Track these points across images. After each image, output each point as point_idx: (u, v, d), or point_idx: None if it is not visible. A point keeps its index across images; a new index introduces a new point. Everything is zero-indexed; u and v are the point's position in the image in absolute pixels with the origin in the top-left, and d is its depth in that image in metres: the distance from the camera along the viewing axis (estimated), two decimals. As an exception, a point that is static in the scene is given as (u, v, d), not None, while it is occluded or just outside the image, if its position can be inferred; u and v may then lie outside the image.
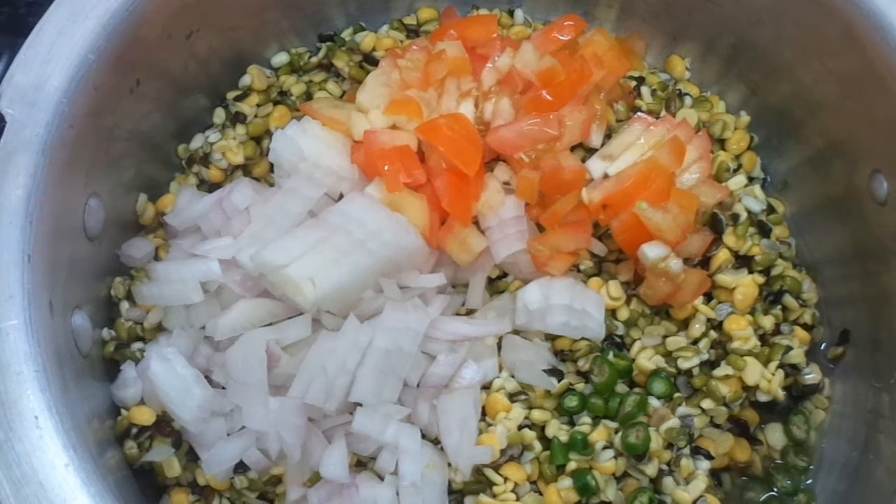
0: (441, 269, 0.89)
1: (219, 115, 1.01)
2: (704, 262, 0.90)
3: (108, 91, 0.82)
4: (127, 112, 0.88)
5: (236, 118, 1.00)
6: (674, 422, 0.84)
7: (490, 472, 0.82)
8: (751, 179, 0.99)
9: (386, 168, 0.86)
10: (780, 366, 0.89)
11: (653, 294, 0.87)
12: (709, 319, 0.89)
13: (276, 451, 0.80)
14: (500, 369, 0.86)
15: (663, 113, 0.98)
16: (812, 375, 0.91)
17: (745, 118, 1.02)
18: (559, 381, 0.85)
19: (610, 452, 0.83)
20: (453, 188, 0.86)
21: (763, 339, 0.90)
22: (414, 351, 0.82)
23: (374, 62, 0.99)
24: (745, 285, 0.89)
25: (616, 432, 0.84)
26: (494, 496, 0.82)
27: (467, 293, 0.89)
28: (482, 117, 0.91)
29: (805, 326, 0.93)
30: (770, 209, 0.96)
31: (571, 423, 0.85)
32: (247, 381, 0.80)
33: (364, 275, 0.82)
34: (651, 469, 0.83)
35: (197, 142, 1.00)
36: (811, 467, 0.92)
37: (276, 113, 1.00)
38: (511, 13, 1.08)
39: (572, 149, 0.91)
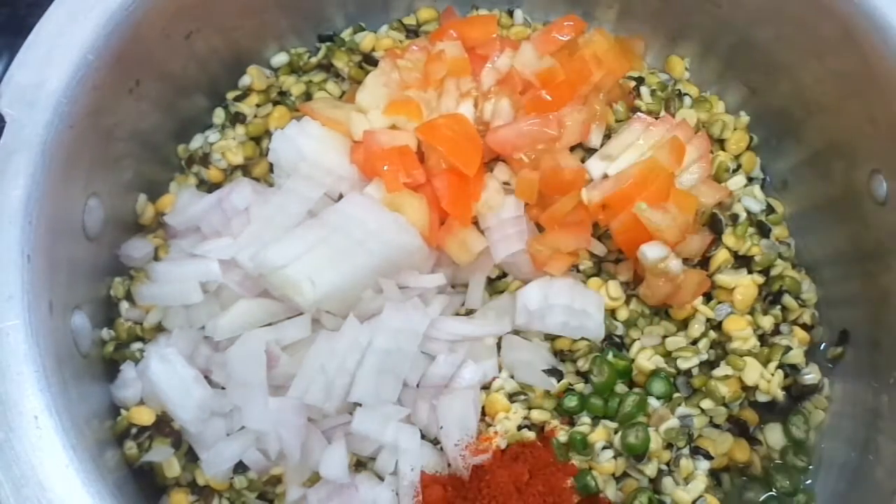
0: (441, 269, 0.89)
1: (218, 116, 1.01)
2: (704, 263, 0.90)
3: (107, 91, 0.82)
4: (127, 112, 0.88)
5: (236, 118, 1.00)
6: (673, 422, 0.84)
7: (490, 472, 0.82)
8: (750, 179, 0.99)
9: (385, 168, 0.86)
10: (780, 366, 0.89)
11: (652, 294, 0.87)
12: (708, 319, 0.89)
13: (275, 451, 0.80)
14: (500, 369, 0.86)
15: (663, 113, 0.98)
16: (811, 375, 0.91)
17: (744, 118, 1.02)
18: (559, 381, 0.85)
19: (610, 452, 0.83)
20: (453, 188, 0.86)
21: (762, 339, 0.90)
22: (414, 351, 0.82)
23: (374, 62, 0.99)
24: (745, 285, 0.89)
25: (616, 432, 0.84)
26: (494, 496, 0.82)
27: (467, 293, 0.89)
28: (482, 117, 0.91)
29: (804, 326, 0.93)
30: (769, 209, 0.96)
31: (571, 423, 0.85)
32: (247, 381, 0.80)
33: (364, 275, 0.82)
34: (650, 469, 0.83)
35: (197, 142, 1.00)
36: (810, 467, 0.92)
37: (276, 113, 1.00)
38: (511, 13, 1.08)
39: (572, 149, 0.91)
